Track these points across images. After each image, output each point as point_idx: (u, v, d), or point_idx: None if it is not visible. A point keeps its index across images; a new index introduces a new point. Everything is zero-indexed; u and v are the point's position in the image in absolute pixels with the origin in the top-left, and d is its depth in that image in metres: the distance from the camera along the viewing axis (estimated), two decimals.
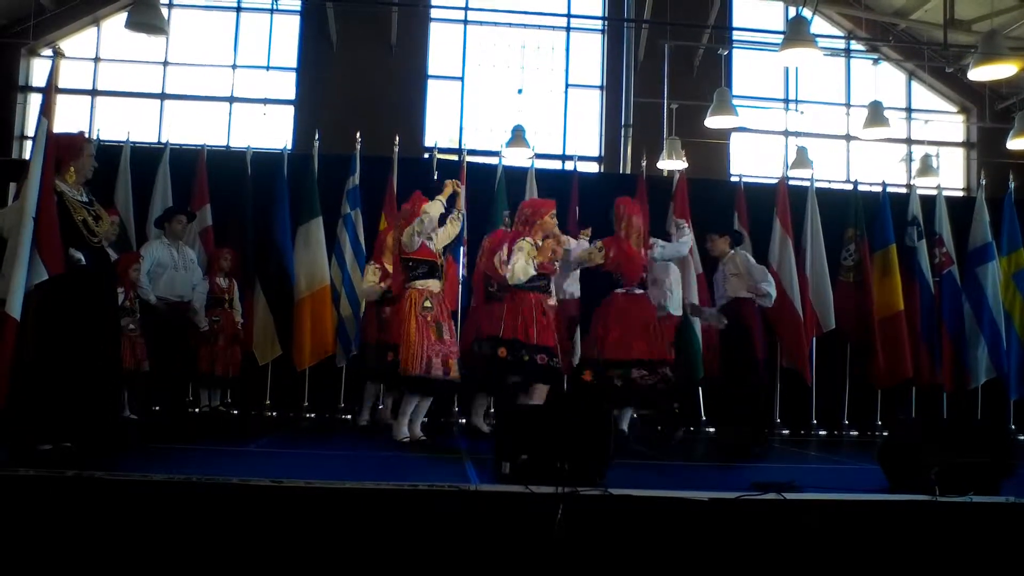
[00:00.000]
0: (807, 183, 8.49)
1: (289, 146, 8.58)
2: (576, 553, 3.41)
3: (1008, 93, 12.34)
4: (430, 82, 12.53)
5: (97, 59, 12.20)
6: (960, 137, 13.50)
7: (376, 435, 6.05)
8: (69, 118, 11.57)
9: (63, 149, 4.40)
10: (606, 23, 12.61)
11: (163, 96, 12.26)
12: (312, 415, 7.79)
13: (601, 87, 12.71)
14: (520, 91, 12.55)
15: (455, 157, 8.54)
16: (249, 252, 7.51)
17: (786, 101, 13.07)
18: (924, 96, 13.39)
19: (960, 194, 12.53)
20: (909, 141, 13.23)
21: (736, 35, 12.33)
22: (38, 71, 12.06)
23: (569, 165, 9.60)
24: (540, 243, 5.92)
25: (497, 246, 6.19)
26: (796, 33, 6.84)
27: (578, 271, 6.73)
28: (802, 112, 12.77)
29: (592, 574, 3.42)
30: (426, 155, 10.28)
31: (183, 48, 12.27)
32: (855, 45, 13.07)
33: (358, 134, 7.88)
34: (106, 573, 3.27)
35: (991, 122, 12.17)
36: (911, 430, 4.29)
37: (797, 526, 3.59)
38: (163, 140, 8.50)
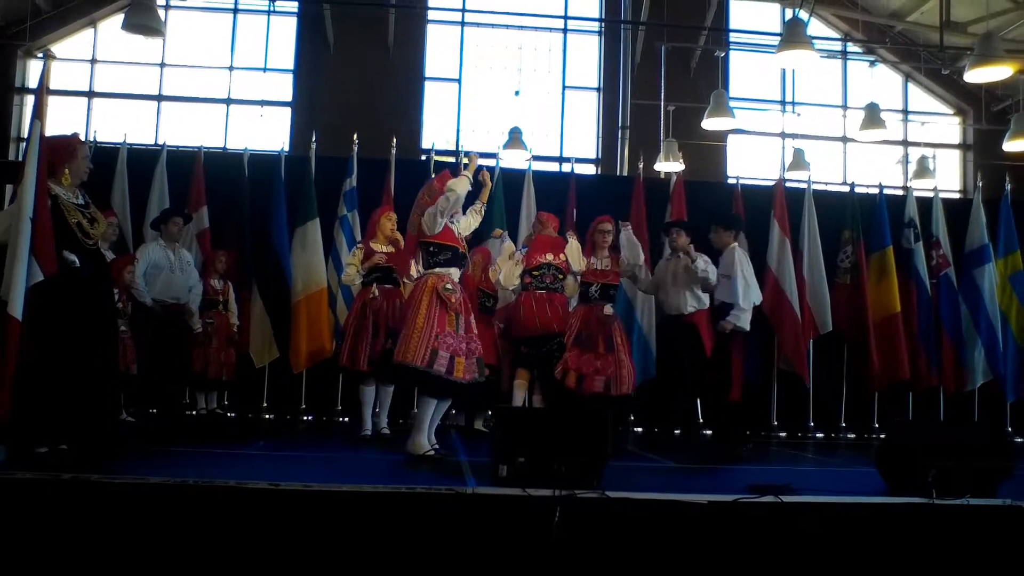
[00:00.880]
0: (804, 185, 8.50)
1: (286, 148, 8.56)
2: (574, 556, 3.40)
3: (1004, 95, 12.37)
4: (427, 84, 12.54)
5: (94, 61, 12.19)
6: (956, 139, 13.53)
7: (376, 442, 5.94)
8: (66, 120, 11.60)
9: (57, 152, 4.39)
10: (603, 25, 12.62)
11: (160, 98, 12.24)
12: (309, 417, 7.79)
13: (598, 89, 12.72)
14: (517, 93, 12.55)
15: (452, 159, 8.54)
16: (246, 254, 7.51)
17: (783, 103, 13.09)
18: (920, 98, 13.41)
19: (956, 196, 12.55)
20: (905, 143, 13.25)
21: (733, 37, 12.36)
22: (35, 73, 12.05)
23: (566, 167, 9.59)
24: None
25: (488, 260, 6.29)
26: (793, 35, 6.85)
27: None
28: (799, 114, 12.79)
29: None
30: (423, 157, 10.27)
31: (180, 50, 12.25)
32: (851, 47, 13.09)
33: (355, 136, 7.88)
34: None
35: (987, 124, 12.20)
36: (908, 432, 4.29)
37: (794, 529, 3.59)
38: (160, 142, 8.51)
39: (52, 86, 11.65)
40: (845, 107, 13.20)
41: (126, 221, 7.53)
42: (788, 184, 8.66)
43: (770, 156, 12.98)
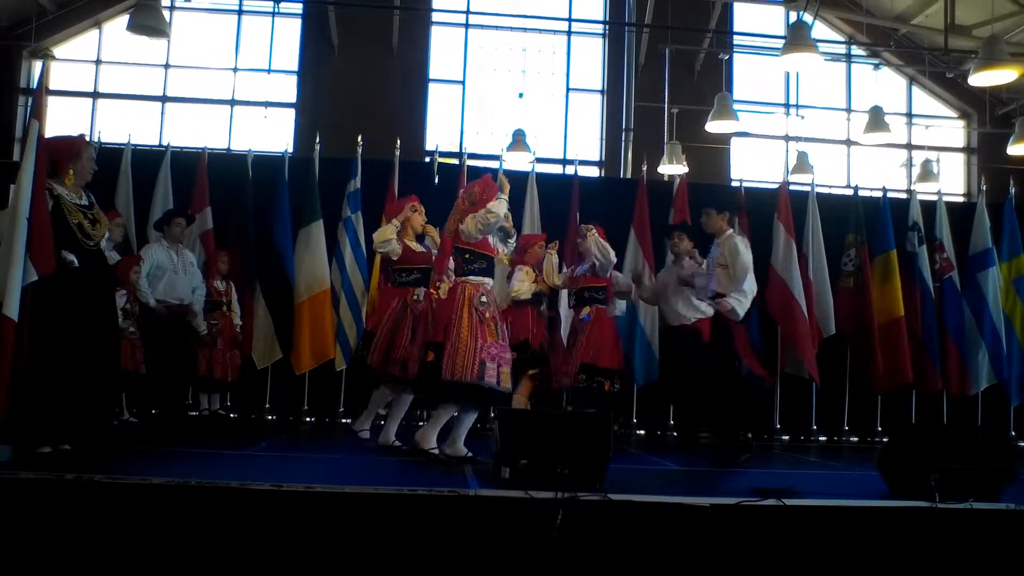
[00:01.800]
0: (807, 188, 8.49)
1: (290, 149, 8.60)
2: (576, 559, 3.40)
3: (1009, 98, 12.35)
4: (431, 86, 12.55)
5: (98, 61, 12.22)
6: (961, 142, 13.51)
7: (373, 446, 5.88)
8: (70, 120, 11.62)
9: (61, 152, 4.40)
10: (607, 27, 12.62)
11: (164, 99, 12.26)
12: (312, 419, 7.79)
13: (602, 91, 12.72)
14: (521, 95, 12.56)
15: (456, 161, 8.55)
16: (249, 255, 7.52)
17: (787, 106, 13.08)
18: (925, 101, 13.40)
19: (960, 200, 12.53)
20: (910, 146, 13.23)
21: (737, 40, 12.34)
22: (39, 74, 12.09)
23: (570, 169, 9.59)
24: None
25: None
26: (797, 38, 6.86)
27: None
28: (803, 117, 12.78)
29: None
30: (427, 159, 10.28)
31: (184, 51, 12.28)
32: (856, 50, 13.07)
33: (359, 137, 7.88)
34: None
35: (992, 127, 12.17)
36: (911, 436, 4.27)
37: (797, 532, 3.59)
38: (164, 143, 8.50)
39: (57, 87, 11.73)
40: (849, 110, 13.19)
41: (130, 222, 7.52)
42: (792, 187, 8.65)
43: (774, 159, 12.98)
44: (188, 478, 3.51)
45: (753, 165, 12.64)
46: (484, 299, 4.84)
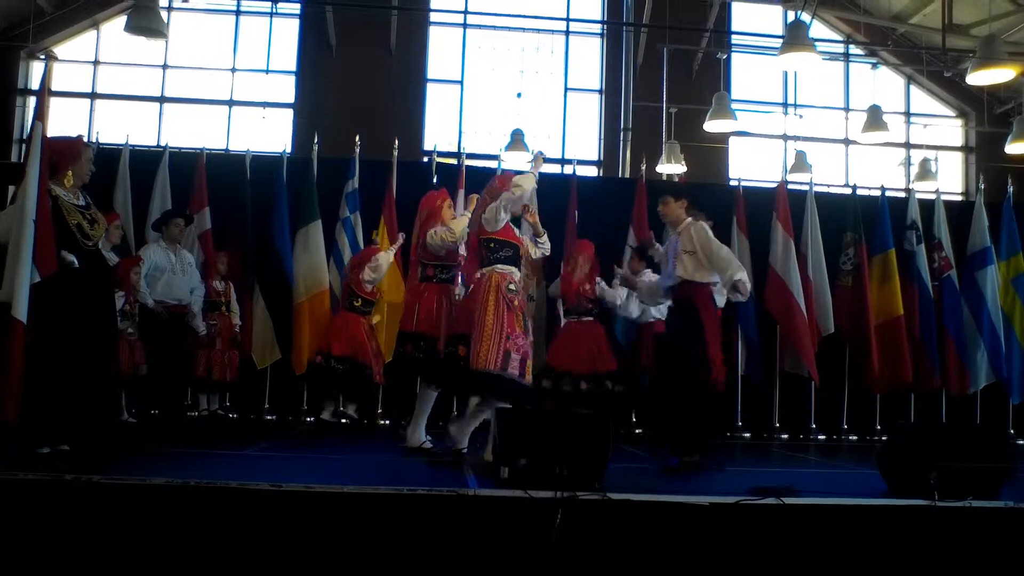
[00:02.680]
0: (806, 187, 8.50)
1: (288, 149, 8.58)
2: (575, 558, 3.40)
3: (1007, 97, 12.35)
4: (429, 86, 12.54)
5: (96, 62, 12.21)
6: (959, 141, 13.52)
7: (375, 439, 5.95)
8: (68, 121, 11.61)
9: (60, 153, 4.40)
10: (605, 27, 12.61)
11: (162, 99, 12.26)
12: (311, 419, 7.78)
13: (600, 91, 12.72)
14: (519, 95, 12.55)
15: (454, 161, 8.54)
16: (248, 255, 7.52)
17: (785, 105, 13.09)
18: (923, 100, 13.40)
19: (959, 198, 12.52)
20: (908, 145, 13.24)
21: (735, 39, 12.36)
22: (37, 74, 12.08)
23: (568, 169, 9.59)
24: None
25: None
26: (795, 37, 6.86)
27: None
28: (801, 116, 12.78)
29: None
30: (425, 159, 10.28)
31: (182, 51, 12.27)
32: (854, 49, 13.08)
33: (357, 138, 7.89)
34: None
35: (990, 126, 12.19)
36: (910, 435, 4.28)
37: (796, 531, 3.59)
38: (162, 143, 8.52)
39: (55, 87, 11.68)
40: (847, 109, 13.20)
41: (128, 223, 7.52)
42: (790, 186, 8.65)
43: (772, 158, 12.98)
44: (188, 478, 3.51)
45: (751, 164, 12.64)
46: (512, 287, 4.72)
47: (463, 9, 12.75)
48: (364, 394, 6.97)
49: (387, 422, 7.67)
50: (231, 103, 12.32)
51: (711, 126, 9.61)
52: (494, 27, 12.61)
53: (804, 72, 12.36)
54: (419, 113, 12.33)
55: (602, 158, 12.49)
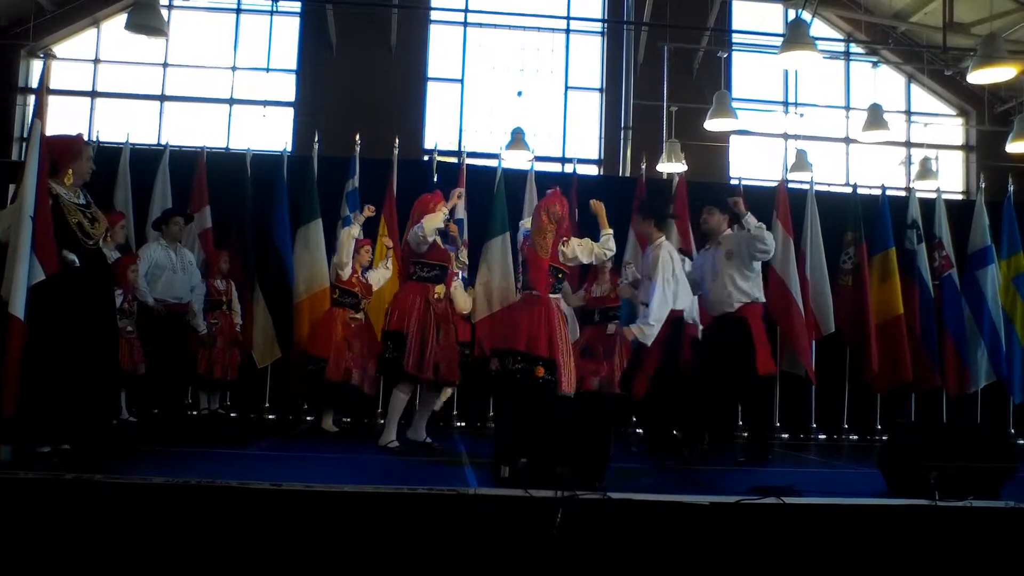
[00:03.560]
0: (806, 186, 8.49)
1: (289, 148, 8.58)
2: (576, 558, 3.40)
3: (1007, 96, 12.36)
4: (430, 84, 12.55)
5: (97, 60, 12.21)
6: (959, 140, 13.51)
7: (375, 439, 5.91)
8: (68, 120, 11.61)
9: (60, 152, 4.40)
10: (606, 25, 12.61)
11: (163, 98, 12.26)
12: (311, 418, 7.77)
13: (601, 89, 12.72)
14: (520, 94, 12.55)
15: (455, 159, 8.54)
16: (248, 254, 7.50)
17: (785, 104, 13.08)
18: (923, 99, 13.40)
19: (959, 197, 12.53)
20: (908, 144, 13.24)
21: (736, 38, 12.35)
22: (37, 73, 12.08)
23: (569, 168, 9.59)
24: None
25: None
26: (795, 36, 6.85)
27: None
28: (801, 115, 12.77)
29: None
30: (426, 157, 10.28)
31: (183, 50, 12.27)
32: (854, 48, 13.08)
33: (358, 136, 7.87)
34: None
35: (990, 125, 12.18)
36: (911, 434, 4.28)
37: (797, 530, 3.59)
38: (163, 142, 8.49)
39: (55, 86, 11.71)
40: (848, 108, 13.20)
41: (128, 221, 7.49)
42: (790, 185, 8.63)
43: (772, 157, 12.95)
44: (188, 478, 3.51)
45: (752, 163, 12.65)
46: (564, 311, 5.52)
47: (463, 7, 12.74)
48: (332, 397, 6.64)
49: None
50: (231, 101, 12.32)
51: (712, 125, 9.61)
52: (495, 25, 12.62)
53: (805, 71, 12.35)
54: (419, 111, 12.33)
55: (602, 157, 12.49)
